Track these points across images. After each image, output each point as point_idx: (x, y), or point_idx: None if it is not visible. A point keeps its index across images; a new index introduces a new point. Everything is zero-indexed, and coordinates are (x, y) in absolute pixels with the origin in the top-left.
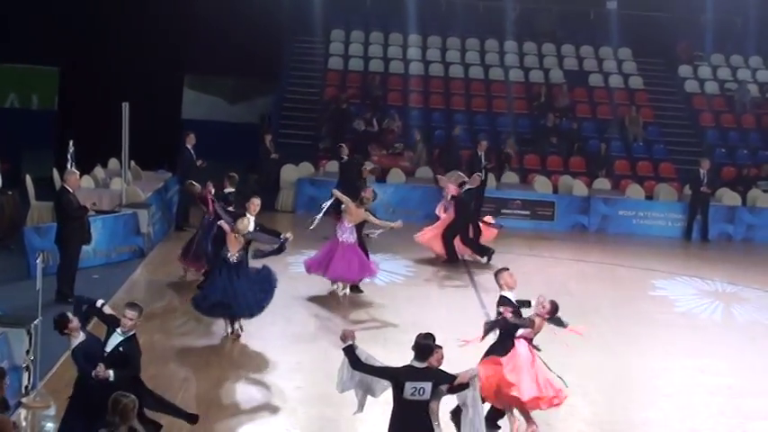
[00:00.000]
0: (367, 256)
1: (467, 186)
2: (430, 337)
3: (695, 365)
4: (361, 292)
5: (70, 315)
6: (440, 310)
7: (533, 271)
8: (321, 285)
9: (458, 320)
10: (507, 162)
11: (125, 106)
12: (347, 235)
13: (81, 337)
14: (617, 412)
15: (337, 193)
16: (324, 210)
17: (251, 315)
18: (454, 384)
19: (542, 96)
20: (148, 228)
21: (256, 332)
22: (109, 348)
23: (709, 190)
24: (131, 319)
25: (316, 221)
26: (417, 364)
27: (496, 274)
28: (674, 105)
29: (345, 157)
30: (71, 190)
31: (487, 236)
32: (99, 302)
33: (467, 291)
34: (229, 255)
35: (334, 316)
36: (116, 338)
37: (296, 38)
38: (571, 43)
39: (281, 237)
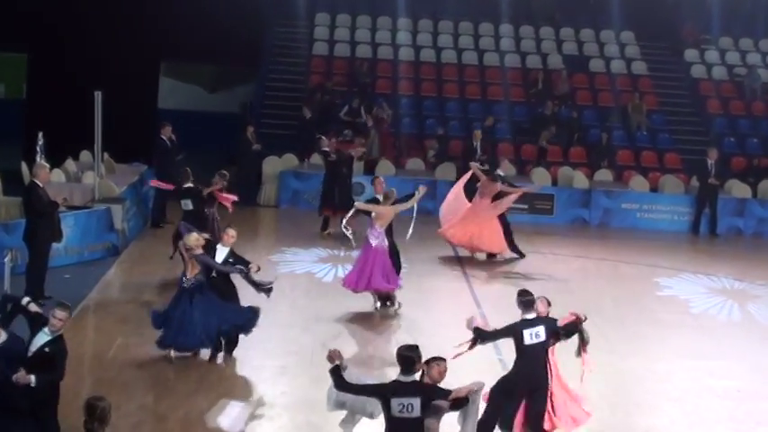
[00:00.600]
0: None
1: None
2: (413, 348)
3: (703, 368)
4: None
5: None
6: (433, 311)
7: (532, 268)
8: (305, 286)
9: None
10: (543, 158)
11: (98, 95)
12: (381, 240)
13: (2, 336)
14: (620, 418)
15: (361, 205)
16: (414, 217)
17: (198, 346)
18: (450, 399)
19: (540, 83)
20: (123, 224)
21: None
22: (33, 349)
23: (718, 182)
24: (60, 320)
25: (410, 233)
26: (404, 379)
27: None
28: (680, 92)
29: (333, 156)
30: (41, 184)
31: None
32: (24, 300)
33: (461, 289)
34: (184, 279)
35: (320, 317)
36: (42, 338)
37: (278, 22)
38: (571, 26)
39: (248, 268)
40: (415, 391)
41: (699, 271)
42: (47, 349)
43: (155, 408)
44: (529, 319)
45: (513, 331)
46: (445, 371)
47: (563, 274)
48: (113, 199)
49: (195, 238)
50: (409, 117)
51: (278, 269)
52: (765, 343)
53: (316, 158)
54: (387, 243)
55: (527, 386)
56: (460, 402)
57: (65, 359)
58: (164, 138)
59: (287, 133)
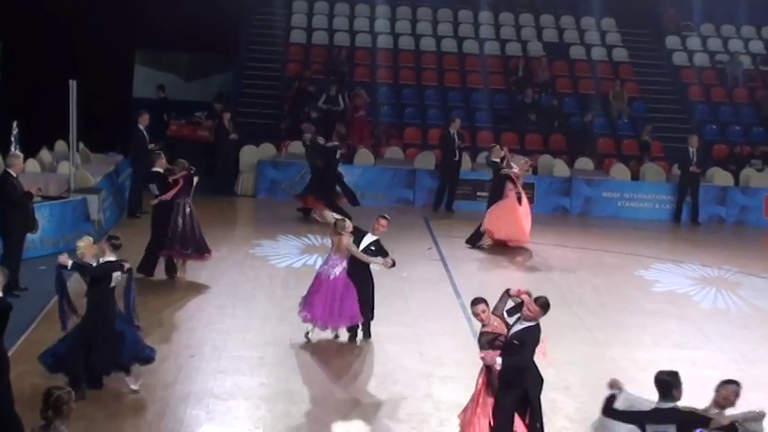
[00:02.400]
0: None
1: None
2: (672, 374)
3: (685, 357)
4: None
5: None
6: (413, 301)
7: (512, 257)
8: (283, 275)
9: (430, 313)
10: (647, 152)
11: (72, 84)
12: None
13: None
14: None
15: (328, 215)
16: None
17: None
18: (712, 428)
19: (520, 70)
20: (99, 214)
21: (216, 326)
22: None
23: (700, 169)
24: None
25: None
26: (662, 405)
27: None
28: (661, 79)
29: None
30: (14, 174)
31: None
32: None
33: (441, 278)
34: None
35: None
36: None
37: (256, 10)
38: (551, 13)
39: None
40: (671, 417)
41: (680, 259)
42: None
43: (132, 398)
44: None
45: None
46: (733, 394)
47: (543, 263)
48: (89, 189)
49: (86, 245)
50: (388, 105)
51: (251, 257)
52: (747, 332)
53: (293, 147)
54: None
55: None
56: (726, 430)
57: None
58: (140, 127)
59: (264, 122)
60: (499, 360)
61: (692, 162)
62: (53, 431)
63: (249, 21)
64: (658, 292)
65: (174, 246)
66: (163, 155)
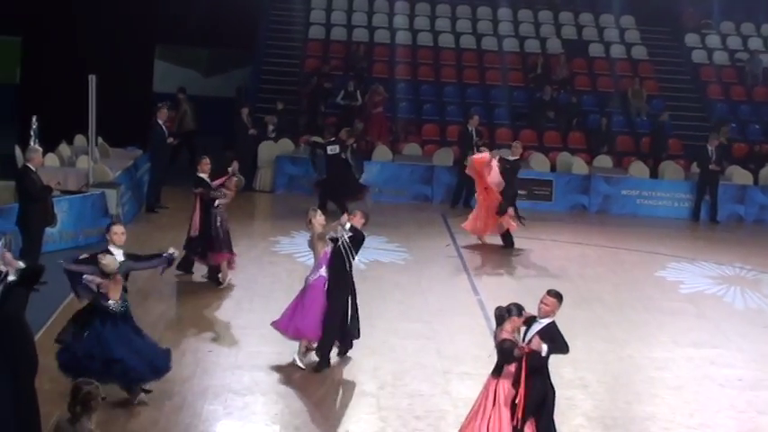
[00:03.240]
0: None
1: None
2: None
3: (704, 356)
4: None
5: None
6: (431, 298)
7: (530, 255)
8: (301, 271)
9: (448, 309)
10: (728, 154)
11: (92, 79)
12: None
13: None
14: (619, 406)
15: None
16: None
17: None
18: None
19: (539, 68)
20: (118, 209)
21: (234, 321)
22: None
23: (719, 168)
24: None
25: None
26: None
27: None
28: (681, 77)
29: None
30: (34, 169)
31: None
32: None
33: (459, 276)
34: (111, 303)
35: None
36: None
37: (274, 5)
38: (570, 10)
39: (166, 254)
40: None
41: (699, 258)
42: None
43: (151, 395)
44: None
45: None
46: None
47: (562, 261)
48: (108, 183)
49: (110, 260)
50: (406, 102)
51: (273, 251)
52: (767, 331)
53: None
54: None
55: None
56: None
57: None
58: (159, 122)
59: (284, 118)
60: (545, 347)
61: (712, 160)
62: (80, 426)
63: (268, 16)
64: (677, 291)
65: (224, 249)
66: (207, 159)
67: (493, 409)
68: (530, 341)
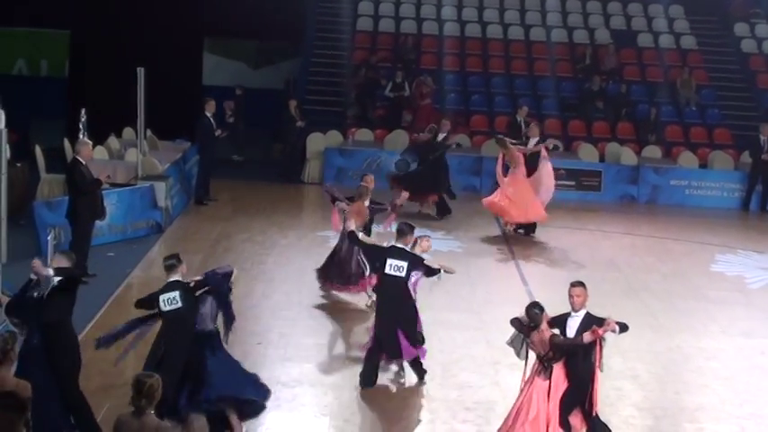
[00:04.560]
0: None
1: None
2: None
3: (754, 346)
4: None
5: None
6: (480, 288)
7: (579, 245)
8: None
9: (496, 300)
10: None
11: (140, 72)
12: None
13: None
14: (669, 396)
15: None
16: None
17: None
18: None
19: (587, 58)
20: (167, 201)
21: (283, 313)
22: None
23: None
24: None
25: None
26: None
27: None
28: (730, 66)
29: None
30: (83, 162)
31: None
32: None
33: (508, 267)
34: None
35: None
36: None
37: None
38: (618, 0)
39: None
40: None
41: (749, 248)
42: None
43: None
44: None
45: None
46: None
47: (610, 251)
48: (157, 176)
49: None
50: (455, 93)
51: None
52: None
53: (360, 135)
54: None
55: None
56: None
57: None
58: (207, 114)
59: (331, 110)
60: (617, 327)
61: (764, 150)
62: (148, 419)
63: (316, 8)
64: (726, 281)
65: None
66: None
67: (547, 404)
68: (593, 330)
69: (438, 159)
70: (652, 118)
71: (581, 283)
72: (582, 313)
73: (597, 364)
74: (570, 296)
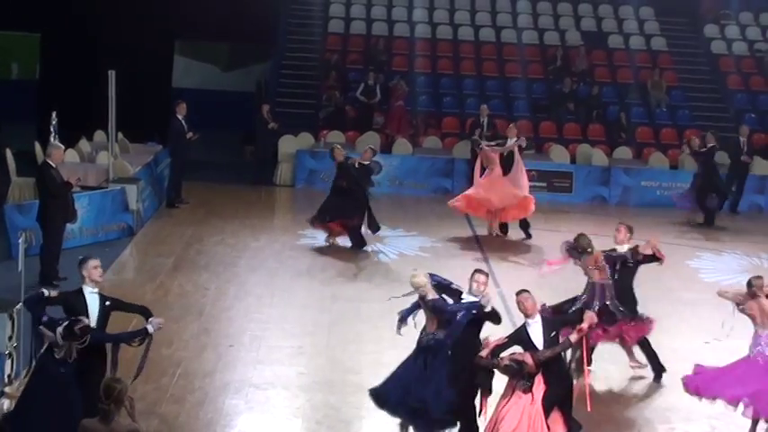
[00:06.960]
0: None
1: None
2: None
3: (725, 346)
4: None
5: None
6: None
7: (550, 247)
8: (321, 265)
9: None
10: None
11: (111, 74)
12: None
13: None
14: (640, 396)
15: None
16: None
17: None
18: None
19: (558, 60)
20: (138, 204)
21: (255, 316)
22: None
23: (750, 159)
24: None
25: None
26: None
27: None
28: (700, 68)
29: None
30: (54, 165)
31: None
32: (44, 292)
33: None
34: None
35: (337, 297)
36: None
37: None
38: (589, 2)
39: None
40: None
41: (721, 249)
42: (107, 302)
43: (171, 389)
44: None
45: None
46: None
47: None
48: (128, 179)
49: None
50: (426, 95)
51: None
52: None
53: (332, 137)
54: None
55: None
56: None
57: None
58: (179, 117)
59: (303, 112)
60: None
61: (743, 152)
62: (116, 424)
63: (287, 10)
64: (697, 281)
65: None
66: None
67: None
68: (578, 329)
69: None
70: (622, 120)
71: (524, 290)
72: (538, 318)
73: (585, 361)
74: (519, 304)
